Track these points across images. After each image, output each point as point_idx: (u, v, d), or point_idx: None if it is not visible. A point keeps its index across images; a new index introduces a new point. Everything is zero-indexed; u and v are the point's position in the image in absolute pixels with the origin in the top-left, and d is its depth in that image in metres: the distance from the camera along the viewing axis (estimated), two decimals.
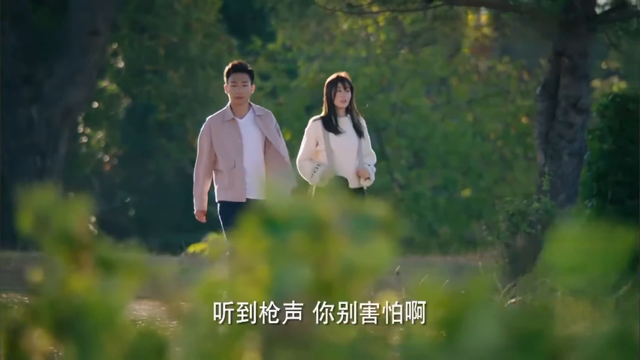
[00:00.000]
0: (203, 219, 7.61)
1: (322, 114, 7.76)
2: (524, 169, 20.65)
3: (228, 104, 7.61)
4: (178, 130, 20.31)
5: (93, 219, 22.06)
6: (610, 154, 12.08)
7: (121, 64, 20.31)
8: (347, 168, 7.69)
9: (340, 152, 7.68)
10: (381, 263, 1.66)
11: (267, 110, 7.78)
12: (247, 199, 7.44)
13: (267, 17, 20.44)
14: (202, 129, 7.62)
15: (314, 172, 7.65)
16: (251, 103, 7.63)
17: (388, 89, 20.99)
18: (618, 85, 21.95)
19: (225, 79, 7.55)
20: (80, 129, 20.87)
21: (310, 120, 7.83)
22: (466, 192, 21.30)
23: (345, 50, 20.01)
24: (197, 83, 19.41)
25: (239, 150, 7.44)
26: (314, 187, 7.58)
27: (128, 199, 21.93)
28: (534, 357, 1.54)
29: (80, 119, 19.35)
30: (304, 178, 7.76)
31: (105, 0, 17.08)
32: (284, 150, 7.57)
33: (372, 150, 7.92)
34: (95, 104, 20.61)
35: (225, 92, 7.59)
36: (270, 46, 20.45)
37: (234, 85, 7.48)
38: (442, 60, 20.35)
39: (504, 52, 21.34)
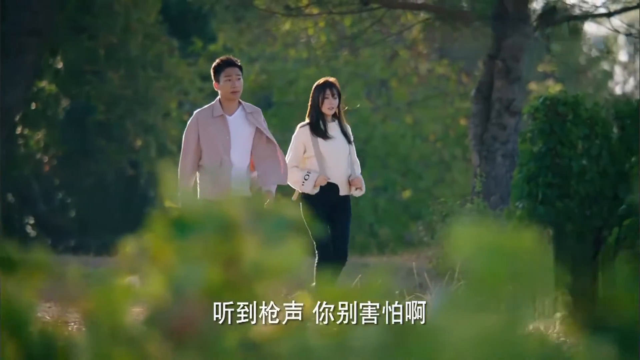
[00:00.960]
0: None
1: (308, 120, 7.55)
2: (462, 170, 20.88)
3: (217, 99, 7.34)
4: (118, 131, 20.25)
5: (32, 220, 21.92)
6: (540, 155, 12.30)
7: (60, 64, 20.19)
8: (337, 174, 7.48)
9: (330, 158, 7.47)
10: (291, 264, 1.66)
11: (255, 107, 7.54)
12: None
13: (208, 18, 20.45)
14: (189, 123, 7.33)
15: (305, 179, 7.42)
16: (240, 100, 7.40)
17: None
18: (554, 87, 22.27)
19: (213, 75, 7.29)
20: (19, 130, 20.72)
21: (298, 126, 7.62)
22: (406, 193, 21.48)
23: (286, 51, 20.10)
24: (138, 84, 19.37)
25: (227, 148, 7.18)
26: (297, 193, 7.46)
27: (68, 200, 21.81)
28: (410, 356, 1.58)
29: (17, 119, 19.21)
30: (292, 186, 7.52)
31: (44, 0, 16.98)
32: (265, 151, 7.28)
33: (357, 159, 7.75)
34: (34, 105, 20.48)
35: (215, 89, 7.32)
36: (212, 47, 20.46)
37: (229, 80, 7.24)
38: (382, 62, 20.53)
39: (443, 54, 21.56)
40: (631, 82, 34.92)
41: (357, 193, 7.54)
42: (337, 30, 16.07)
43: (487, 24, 13.56)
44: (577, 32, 13.52)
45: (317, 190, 7.41)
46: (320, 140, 7.45)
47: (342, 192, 7.47)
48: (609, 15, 13.67)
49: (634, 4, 13.41)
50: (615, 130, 12.58)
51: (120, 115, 19.78)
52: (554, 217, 12.03)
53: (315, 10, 13.75)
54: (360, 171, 7.70)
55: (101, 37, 19.18)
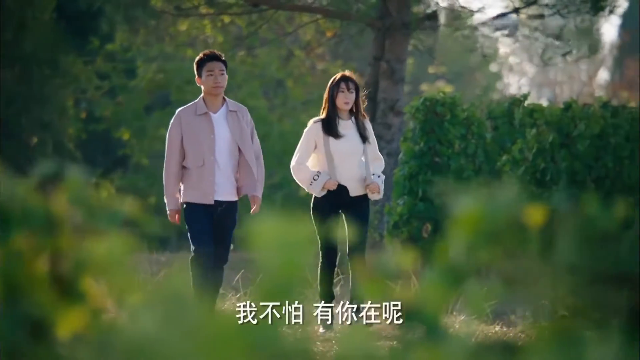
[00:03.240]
0: (177, 220, 6.85)
1: (323, 115, 7.08)
2: None
3: (200, 97, 6.94)
4: (14, 129, 20.26)
5: None
6: (421, 154, 12.83)
7: None
8: (348, 175, 7.04)
9: (340, 158, 7.02)
10: (117, 259, 1.63)
11: (241, 105, 7.10)
12: (217, 201, 6.76)
13: (104, 17, 20.59)
14: (171, 122, 6.93)
15: (313, 180, 7.01)
16: (225, 97, 7.01)
17: (226, 89, 21.43)
18: (444, 89, 22.91)
19: (196, 70, 6.89)
20: None
21: (310, 121, 7.17)
22: (303, 191, 21.92)
23: (183, 51, 20.33)
24: (33, 81, 19.42)
25: (211, 147, 6.75)
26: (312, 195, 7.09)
27: None
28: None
29: None
30: (300, 185, 7.19)
31: None
32: (250, 154, 6.84)
33: (380, 155, 7.34)
34: None
35: (198, 84, 6.94)
36: (109, 46, 20.60)
37: (210, 75, 6.84)
38: (278, 62, 20.93)
39: (337, 56, 22.07)
40: (524, 83, 36.02)
41: (373, 196, 7.09)
42: (230, 30, 16.39)
43: (371, 26, 14.05)
44: (453, 34, 14.06)
45: (324, 192, 7.00)
46: (331, 138, 6.99)
47: (353, 193, 7.03)
48: (485, 19, 14.27)
49: (511, 9, 14.03)
50: (489, 130, 13.19)
51: (16, 113, 19.80)
52: (433, 213, 12.56)
53: (203, 11, 14.06)
54: (382, 167, 7.28)
55: None
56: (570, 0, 13.69)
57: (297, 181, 7.19)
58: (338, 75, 7.15)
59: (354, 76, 7.20)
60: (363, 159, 7.10)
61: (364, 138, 7.08)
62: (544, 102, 22.55)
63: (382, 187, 7.14)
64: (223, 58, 7.00)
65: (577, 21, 14.27)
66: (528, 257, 1.66)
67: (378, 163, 7.24)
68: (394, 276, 1.70)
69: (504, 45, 15.06)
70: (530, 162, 12.05)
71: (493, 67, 27.72)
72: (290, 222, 1.55)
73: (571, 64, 32.26)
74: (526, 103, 13.21)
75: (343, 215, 7.07)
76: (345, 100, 7.00)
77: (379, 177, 7.14)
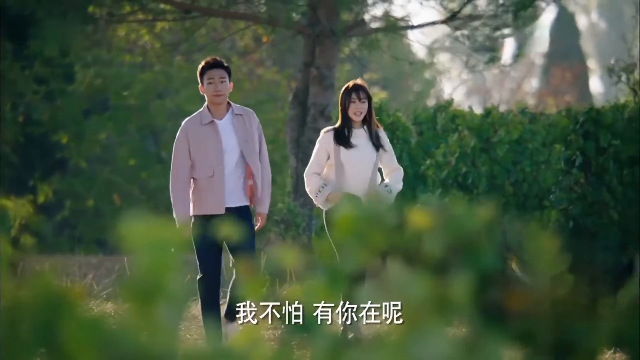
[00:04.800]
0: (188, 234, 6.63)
1: (337, 124, 7.00)
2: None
3: (205, 105, 6.78)
4: None
5: None
6: None
7: None
8: (359, 185, 6.91)
9: (351, 168, 6.90)
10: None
11: (247, 109, 6.92)
12: (229, 208, 6.59)
13: (44, 21, 20.70)
14: (178, 134, 6.77)
15: (319, 192, 6.88)
16: (230, 102, 6.82)
17: (164, 94, 21.68)
18: (378, 95, 23.37)
19: (199, 78, 6.76)
20: None
21: (322, 131, 7.09)
22: None
23: (122, 56, 20.54)
24: None
25: (219, 157, 6.61)
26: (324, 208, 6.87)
27: None
28: None
29: None
30: (310, 195, 7.02)
31: None
32: (254, 160, 6.66)
33: (399, 165, 7.13)
34: None
35: (201, 92, 6.78)
36: (47, 51, 20.71)
37: (211, 82, 6.68)
38: None
39: (275, 62, 22.43)
40: (459, 90, 36.69)
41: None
42: (164, 37, 16.62)
43: (301, 33, 14.40)
44: (378, 44, 14.46)
45: (330, 205, 6.86)
46: (342, 148, 6.88)
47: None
48: (412, 28, 14.69)
49: (436, 20, 14.47)
50: (414, 135, 13.61)
51: None
52: None
53: (135, 17, 14.30)
54: (400, 177, 7.07)
55: None
56: (493, 11, 14.16)
57: (307, 191, 7.01)
58: (350, 84, 7.02)
59: (365, 85, 7.07)
60: (375, 168, 6.94)
61: (376, 148, 6.97)
62: (479, 109, 23.04)
63: (387, 196, 6.87)
64: (225, 65, 6.83)
65: (501, 31, 14.73)
66: (399, 258, 1.68)
67: (395, 174, 7.05)
68: (278, 275, 1.82)
69: (436, 53, 15.49)
70: (453, 167, 12.48)
71: (428, 74, 28.25)
72: (159, 223, 1.53)
73: (500, 71, 32.97)
74: (450, 109, 13.65)
75: None
76: (356, 110, 6.90)
77: (386, 186, 6.95)
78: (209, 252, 6.63)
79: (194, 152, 6.63)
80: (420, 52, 17.55)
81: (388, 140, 7.13)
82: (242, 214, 6.66)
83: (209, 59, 6.86)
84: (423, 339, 1.57)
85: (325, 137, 6.96)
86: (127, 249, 1.54)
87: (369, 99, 6.98)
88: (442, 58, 28.36)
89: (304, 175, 7.01)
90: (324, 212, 6.97)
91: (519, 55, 14.99)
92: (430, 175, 12.81)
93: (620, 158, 11.11)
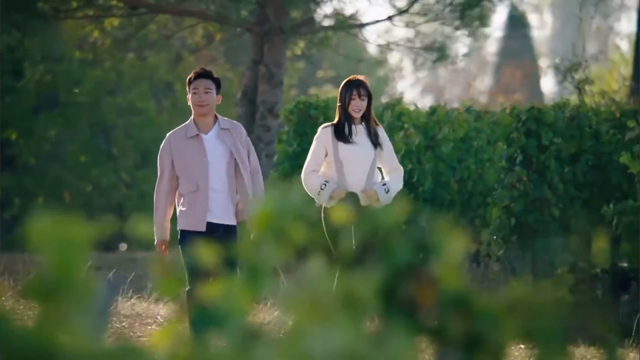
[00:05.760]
0: (165, 251, 6.39)
1: (335, 120, 6.82)
2: None
3: (191, 118, 6.59)
4: None
5: None
6: (294, 155, 13.25)
7: None
8: (357, 183, 6.76)
9: (350, 165, 6.75)
10: None
11: (235, 122, 6.65)
12: (214, 225, 6.32)
13: None
14: (161, 147, 6.62)
15: (321, 189, 6.67)
16: (217, 115, 6.56)
17: (115, 92, 21.59)
18: (332, 92, 23.44)
19: (187, 88, 6.58)
20: None
21: (320, 127, 6.95)
22: None
23: (72, 52, 20.43)
24: None
25: (204, 171, 6.38)
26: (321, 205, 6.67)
27: None
28: None
29: None
30: (309, 194, 6.74)
31: None
32: (245, 174, 6.44)
33: (399, 165, 6.99)
34: None
35: (188, 103, 6.59)
36: None
37: (195, 93, 6.47)
38: (166, 65, 21.18)
39: (228, 59, 22.42)
40: (416, 88, 36.92)
41: (375, 205, 6.68)
42: (112, 34, 16.55)
43: (250, 31, 14.42)
44: (328, 42, 14.51)
45: (333, 203, 6.70)
46: (341, 144, 6.73)
47: (364, 202, 6.74)
48: (361, 26, 14.76)
49: (384, 18, 14.55)
50: None
51: None
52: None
53: (81, 13, 14.24)
54: (399, 177, 6.91)
55: None
56: (441, 10, 14.26)
57: (306, 190, 6.75)
58: (349, 79, 6.86)
59: (366, 81, 6.88)
60: (373, 166, 6.79)
61: (375, 145, 6.81)
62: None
63: (384, 195, 6.72)
64: (214, 76, 6.61)
65: (451, 29, 14.84)
66: (318, 253, 1.66)
67: (395, 173, 6.91)
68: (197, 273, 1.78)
69: (386, 51, 15.57)
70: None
71: (382, 72, 28.38)
72: (67, 222, 1.52)
73: (453, 69, 33.18)
74: (397, 107, 13.72)
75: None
76: (355, 107, 6.72)
77: (383, 185, 6.77)
78: (195, 266, 6.39)
79: (177, 167, 6.45)
80: (374, 50, 17.67)
81: (388, 138, 6.98)
82: (228, 233, 6.39)
83: (197, 68, 6.67)
84: (323, 334, 1.58)
85: (323, 133, 6.81)
86: (32, 248, 1.52)
87: (370, 96, 6.80)
88: (396, 56, 28.53)
89: (302, 173, 6.80)
90: (322, 210, 6.67)
91: (466, 54, 15.10)
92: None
93: (561, 156, 11.24)
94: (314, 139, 6.87)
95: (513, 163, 11.22)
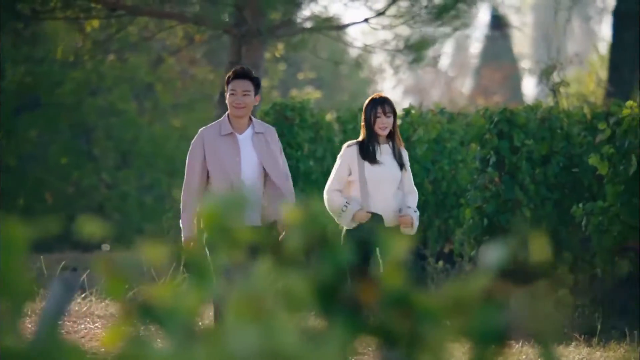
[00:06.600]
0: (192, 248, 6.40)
1: (360, 137, 6.68)
2: None
3: (225, 115, 6.54)
4: None
5: None
6: None
7: None
8: (383, 204, 6.61)
9: (375, 185, 6.58)
10: None
11: (269, 126, 6.64)
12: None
13: None
14: (193, 142, 6.47)
15: (343, 211, 6.50)
16: (252, 117, 6.53)
17: (96, 93, 21.64)
18: (312, 94, 23.54)
19: (225, 86, 6.53)
20: None
21: (345, 145, 6.75)
22: (175, 193, 22.25)
23: (53, 53, 20.47)
24: None
25: (237, 171, 6.35)
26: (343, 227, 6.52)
27: None
28: None
29: None
30: (331, 213, 6.57)
31: None
32: (279, 178, 6.40)
33: (414, 188, 6.82)
34: None
35: (226, 101, 6.53)
36: None
37: (233, 94, 6.42)
38: (147, 66, 21.26)
39: (209, 61, 22.52)
40: (398, 89, 37.06)
41: (407, 231, 6.54)
42: (93, 35, 16.60)
43: (227, 33, 14.49)
44: (305, 44, 14.60)
45: (355, 225, 6.54)
46: (366, 163, 6.58)
47: (389, 222, 6.58)
48: (339, 28, 14.86)
49: (361, 20, 14.66)
50: (338, 134, 13.78)
51: None
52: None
53: (60, 15, 14.30)
54: (415, 203, 6.73)
55: None
56: (416, 12, 14.37)
57: (328, 210, 6.59)
58: (374, 96, 6.74)
59: (390, 99, 6.72)
60: (399, 188, 6.65)
61: (400, 166, 6.68)
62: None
63: (416, 222, 6.62)
64: (252, 76, 6.52)
65: (429, 31, 14.94)
66: (266, 253, 1.68)
67: (412, 196, 6.75)
68: (140, 274, 1.70)
69: (365, 52, 15.68)
70: None
71: (364, 74, 28.51)
72: (3, 223, 1.51)
73: (436, 70, 33.32)
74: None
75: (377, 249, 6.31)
76: (381, 125, 6.59)
77: (415, 211, 6.65)
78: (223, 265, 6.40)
79: (210, 163, 6.36)
80: (355, 52, 17.81)
81: (407, 158, 6.83)
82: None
83: (237, 68, 6.58)
84: (250, 333, 1.58)
85: (348, 152, 6.63)
86: None
87: (394, 113, 6.65)
88: (378, 58, 28.64)
89: (325, 192, 6.66)
90: (344, 231, 6.55)
91: (438, 57, 15.22)
92: None
93: (533, 157, 11.36)
94: (338, 157, 6.71)
95: (486, 164, 11.34)
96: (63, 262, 10.47)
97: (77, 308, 8.69)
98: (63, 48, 18.16)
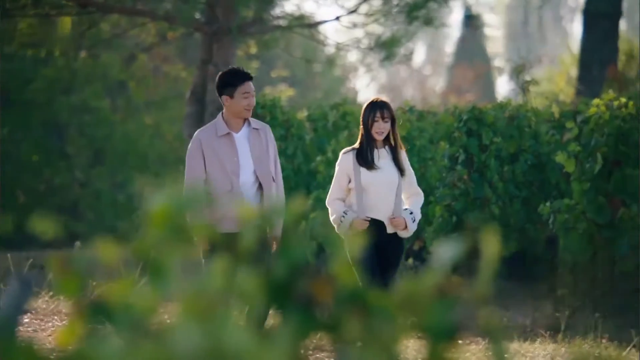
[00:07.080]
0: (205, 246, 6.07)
1: (357, 142, 6.57)
2: None
3: (219, 115, 6.45)
4: None
5: None
6: None
7: None
8: (382, 210, 6.48)
9: (373, 191, 6.47)
10: None
11: (263, 123, 6.58)
12: None
13: None
14: (190, 145, 6.43)
15: (342, 220, 6.43)
16: None
17: (68, 90, 21.57)
18: (285, 92, 23.56)
19: (225, 89, 6.36)
20: None
21: (341, 152, 6.61)
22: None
23: (24, 51, 20.39)
24: None
25: (235, 170, 6.34)
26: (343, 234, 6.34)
27: None
28: None
29: None
30: (332, 223, 6.53)
31: None
32: (264, 176, 6.37)
33: (419, 189, 6.66)
34: None
35: (225, 103, 6.38)
36: None
37: (246, 97, 6.34)
38: (120, 64, 21.21)
39: (182, 58, 22.50)
40: (372, 87, 37.13)
41: (403, 234, 6.44)
42: (64, 32, 16.58)
43: (198, 30, 14.49)
44: (276, 42, 14.62)
45: (352, 233, 6.35)
46: (363, 169, 6.47)
47: (390, 229, 6.48)
48: (309, 26, 14.89)
49: (333, 18, 14.70)
50: (309, 131, 13.82)
51: None
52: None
53: (31, 11, 14.27)
54: (421, 203, 6.60)
55: None
56: (387, 10, 14.43)
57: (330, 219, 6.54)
58: (372, 100, 6.61)
59: (389, 103, 6.60)
60: (397, 192, 6.51)
61: (399, 170, 6.52)
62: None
63: (412, 224, 6.47)
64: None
65: (400, 29, 14.99)
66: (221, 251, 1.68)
67: (416, 199, 6.60)
68: (94, 272, 1.68)
69: (337, 50, 15.72)
70: None
71: (337, 72, 28.54)
72: None
73: (410, 69, 33.47)
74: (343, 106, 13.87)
75: (377, 255, 6.41)
76: (378, 129, 6.45)
77: (411, 213, 6.49)
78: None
79: (209, 165, 6.34)
80: (328, 50, 17.82)
81: (408, 161, 6.68)
82: None
83: (240, 69, 6.48)
84: (192, 331, 1.57)
85: (344, 159, 6.52)
86: None
87: (393, 118, 6.49)
88: (353, 56, 28.68)
89: (326, 203, 6.59)
90: (345, 239, 6.38)
91: (408, 55, 15.28)
92: (321, 171, 13.02)
93: (501, 155, 11.44)
94: (336, 165, 6.60)
95: (455, 162, 11.41)
96: (30, 260, 10.44)
97: (44, 306, 8.69)
98: (34, 44, 18.09)
